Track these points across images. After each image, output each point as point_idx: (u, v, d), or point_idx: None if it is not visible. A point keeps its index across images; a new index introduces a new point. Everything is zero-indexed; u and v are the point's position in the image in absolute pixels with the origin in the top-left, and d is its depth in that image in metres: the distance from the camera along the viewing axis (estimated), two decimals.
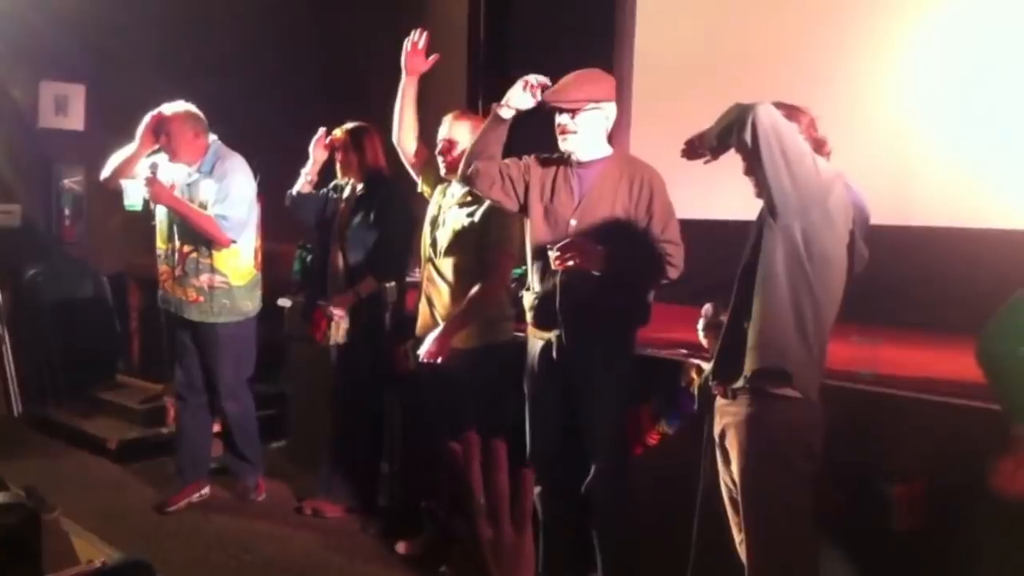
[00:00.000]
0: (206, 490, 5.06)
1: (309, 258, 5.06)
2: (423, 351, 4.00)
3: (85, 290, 6.87)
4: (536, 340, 3.70)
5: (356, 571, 4.26)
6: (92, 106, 6.95)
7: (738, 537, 3.04)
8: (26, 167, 6.74)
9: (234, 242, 4.77)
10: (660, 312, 4.63)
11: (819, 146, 2.92)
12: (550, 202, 3.61)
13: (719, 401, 3.01)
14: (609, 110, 3.58)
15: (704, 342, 3.14)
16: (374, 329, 4.68)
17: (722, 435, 3.01)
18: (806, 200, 2.74)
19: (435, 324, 4.14)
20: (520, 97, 3.49)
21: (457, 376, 4.11)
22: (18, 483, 2.99)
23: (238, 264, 4.86)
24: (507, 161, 3.64)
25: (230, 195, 4.75)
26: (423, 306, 4.25)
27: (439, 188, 4.34)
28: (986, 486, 2.66)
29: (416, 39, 4.18)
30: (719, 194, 5.20)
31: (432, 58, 4.23)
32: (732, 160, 3.15)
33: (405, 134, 4.35)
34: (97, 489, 5.21)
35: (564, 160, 3.63)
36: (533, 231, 3.65)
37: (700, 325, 3.12)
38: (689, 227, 5.54)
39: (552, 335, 3.61)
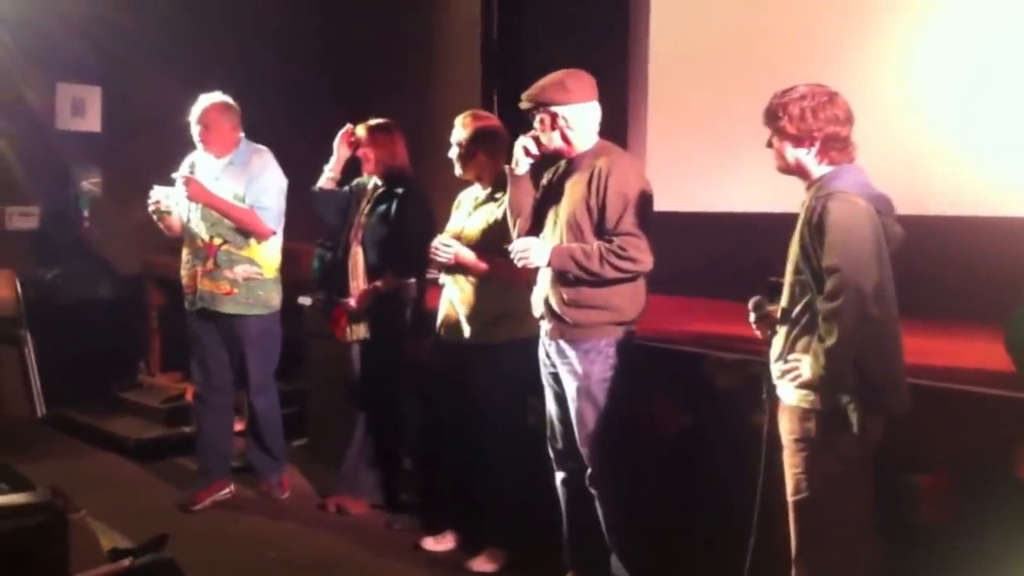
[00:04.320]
0: (230, 488, 5.08)
1: (328, 256, 5.06)
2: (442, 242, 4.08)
3: (104, 290, 6.91)
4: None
5: (382, 567, 4.26)
6: (108, 108, 6.99)
7: None
8: (44, 169, 6.76)
9: (274, 233, 4.84)
10: (680, 304, 4.62)
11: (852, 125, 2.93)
12: (546, 201, 3.71)
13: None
14: (562, 110, 3.54)
15: (758, 333, 3.14)
16: (395, 326, 4.67)
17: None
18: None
19: (458, 322, 4.16)
20: (524, 158, 3.64)
21: (479, 371, 4.13)
22: (42, 484, 3.01)
23: (271, 256, 4.91)
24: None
25: (270, 187, 4.82)
26: (446, 303, 4.25)
27: (464, 192, 4.36)
28: (1013, 475, 2.64)
29: None
30: (737, 186, 5.22)
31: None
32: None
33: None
34: (120, 489, 5.24)
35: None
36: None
37: (752, 318, 3.12)
38: (707, 219, 5.59)
39: (546, 328, 3.69)
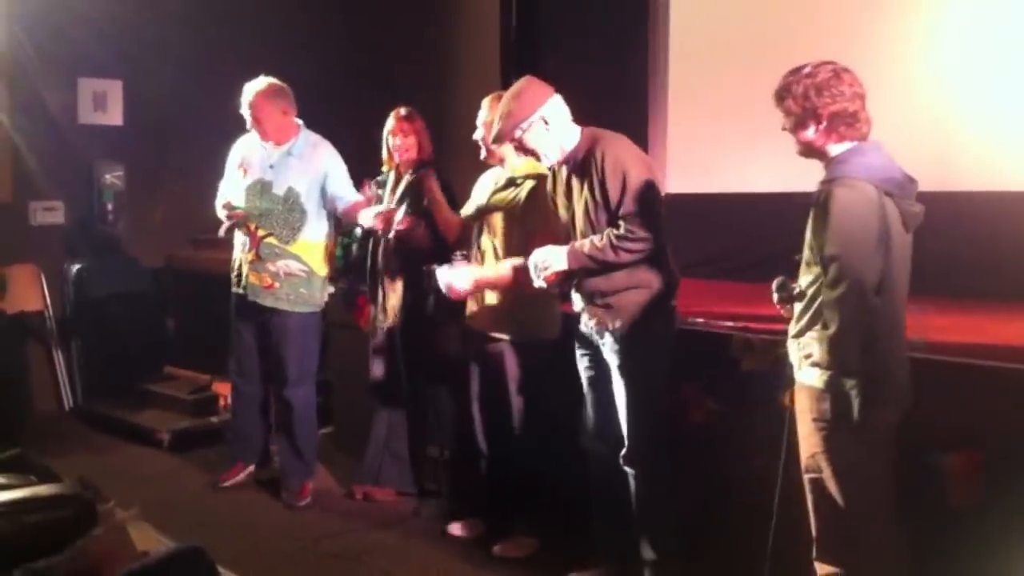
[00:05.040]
0: (250, 469, 5.13)
1: (352, 245, 5.03)
2: (445, 284, 4.10)
3: (130, 284, 6.92)
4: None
5: (410, 553, 4.27)
6: (130, 101, 7.00)
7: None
8: (67, 164, 6.78)
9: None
10: (706, 288, 4.59)
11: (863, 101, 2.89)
12: (565, 209, 3.72)
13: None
14: (544, 111, 3.56)
15: (783, 313, 3.12)
16: (418, 314, 4.65)
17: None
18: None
19: (487, 313, 4.17)
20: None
21: (507, 361, 4.14)
22: (71, 477, 3.02)
23: (322, 254, 4.86)
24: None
25: (346, 177, 4.79)
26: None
27: (486, 173, 4.35)
28: None
29: None
30: (759, 167, 5.18)
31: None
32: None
33: None
34: (149, 480, 5.25)
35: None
36: None
37: (775, 299, 3.11)
38: (730, 201, 5.56)
39: (583, 316, 3.71)
